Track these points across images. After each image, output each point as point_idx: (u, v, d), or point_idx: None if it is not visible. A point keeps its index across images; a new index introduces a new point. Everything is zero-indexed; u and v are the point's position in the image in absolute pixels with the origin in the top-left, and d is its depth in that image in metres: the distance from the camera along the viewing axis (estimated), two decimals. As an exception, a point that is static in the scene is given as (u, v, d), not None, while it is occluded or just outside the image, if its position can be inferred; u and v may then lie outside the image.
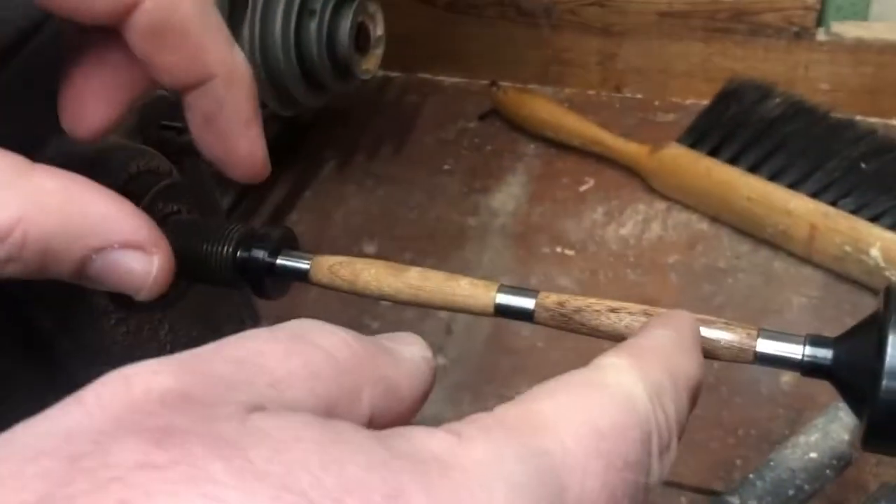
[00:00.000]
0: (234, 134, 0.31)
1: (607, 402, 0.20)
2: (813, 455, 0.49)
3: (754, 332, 0.31)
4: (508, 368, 0.76)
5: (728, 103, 0.84)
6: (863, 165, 0.77)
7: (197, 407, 0.16)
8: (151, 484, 0.14)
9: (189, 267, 0.37)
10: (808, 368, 0.31)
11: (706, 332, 0.32)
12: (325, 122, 1.02)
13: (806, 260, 0.78)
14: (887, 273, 0.72)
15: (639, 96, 0.99)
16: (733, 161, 0.81)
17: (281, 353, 0.19)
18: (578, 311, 0.33)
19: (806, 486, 0.48)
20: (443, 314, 0.82)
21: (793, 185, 0.78)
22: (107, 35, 0.29)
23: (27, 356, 0.36)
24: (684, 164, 0.82)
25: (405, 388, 0.21)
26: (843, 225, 0.74)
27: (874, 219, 0.74)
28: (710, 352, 0.32)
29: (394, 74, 1.08)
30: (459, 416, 0.18)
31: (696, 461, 0.68)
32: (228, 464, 0.15)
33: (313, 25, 0.79)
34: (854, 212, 0.75)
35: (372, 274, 0.36)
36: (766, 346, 0.31)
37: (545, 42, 0.98)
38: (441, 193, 0.93)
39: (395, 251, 0.86)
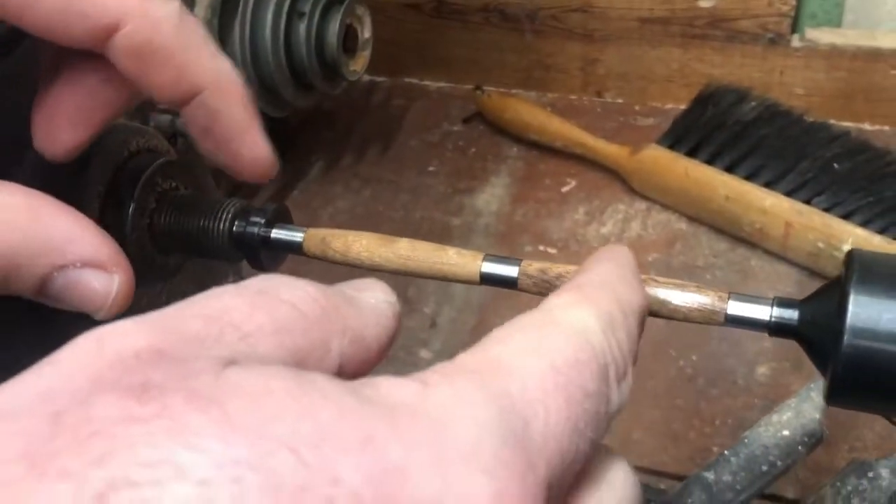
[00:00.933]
0: (234, 141, 0.32)
1: (562, 339, 0.21)
2: (785, 433, 0.51)
3: (725, 296, 0.33)
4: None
5: (705, 106, 0.86)
6: (835, 166, 0.79)
7: (172, 363, 0.17)
8: (133, 436, 0.15)
9: (187, 241, 0.39)
10: (775, 328, 0.33)
11: (680, 295, 0.33)
12: (313, 124, 1.04)
13: (781, 257, 0.80)
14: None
15: (620, 101, 1.01)
16: (710, 162, 0.83)
17: (247, 309, 0.19)
18: (559, 276, 0.34)
19: (779, 462, 0.50)
20: (427, 309, 0.83)
21: (768, 185, 0.80)
22: (83, 56, 0.30)
23: (30, 317, 0.37)
24: (663, 164, 0.84)
25: (371, 336, 0.22)
26: (817, 222, 0.76)
27: (846, 216, 0.76)
28: (684, 314, 0.33)
29: (380, 79, 1.10)
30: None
31: (675, 450, 0.70)
32: (207, 415, 0.15)
33: (302, 27, 0.81)
34: (827, 209, 0.77)
35: (363, 245, 0.37)
36: (736, 308, 0.33)
37: (528, 47, 1.01)
38: (426, 194, 0.95)
39: (381, 250, 0.88)
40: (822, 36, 0.90)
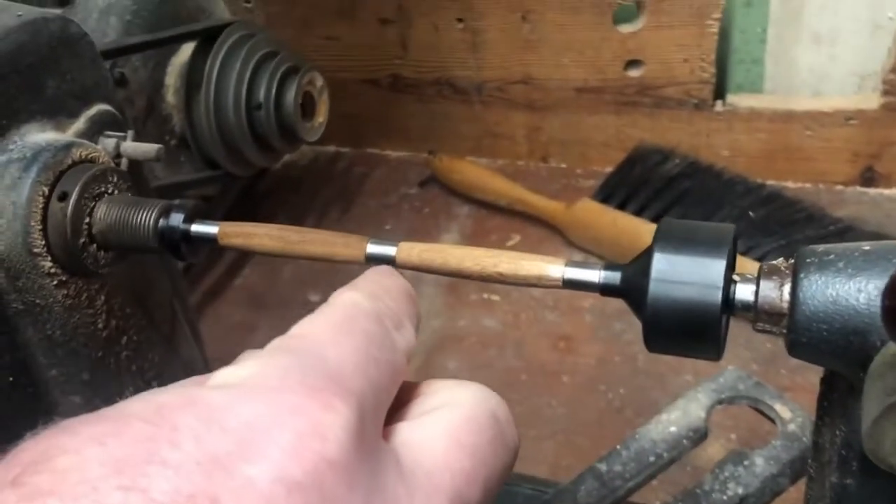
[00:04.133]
0: None
1: (337, 309, 0.28)
2: (672, 429, 0.56)
3: (562, 262, 0.40)
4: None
5: (634, 165, 0.93)
6: (751, 214, 0.86)
7: None
8: None
9: (119, 236, 0.45)
10: (604, 289, 0.39)
11: (528, 265, 0.40)
12: (279, 189, 1.12)
13: (704, 298, 0.86)
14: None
15: (563, 165, 1.09)
16: (638, 213, 0.90)
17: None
18: (427, 250, 0.40)
19: (665, 454, 0.55)
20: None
21: (690, 232, 0.87)
22: None
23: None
24: (594, 216, 0.91)
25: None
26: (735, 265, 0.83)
27: (760, 258, 0.83)
28: (530, 281, 0.40)
29: (344, 149, 1.18)
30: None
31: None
32: None
33: (262, 114, 0.89)
34: (743, 253, 0.84)
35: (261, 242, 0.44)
36: (572, 273, 0.39)
37: (478, 117, 1.09)
38: (381, 250, 1.01)
39: (337, 300, 0.94)
40: (742, 101, 0.98)
